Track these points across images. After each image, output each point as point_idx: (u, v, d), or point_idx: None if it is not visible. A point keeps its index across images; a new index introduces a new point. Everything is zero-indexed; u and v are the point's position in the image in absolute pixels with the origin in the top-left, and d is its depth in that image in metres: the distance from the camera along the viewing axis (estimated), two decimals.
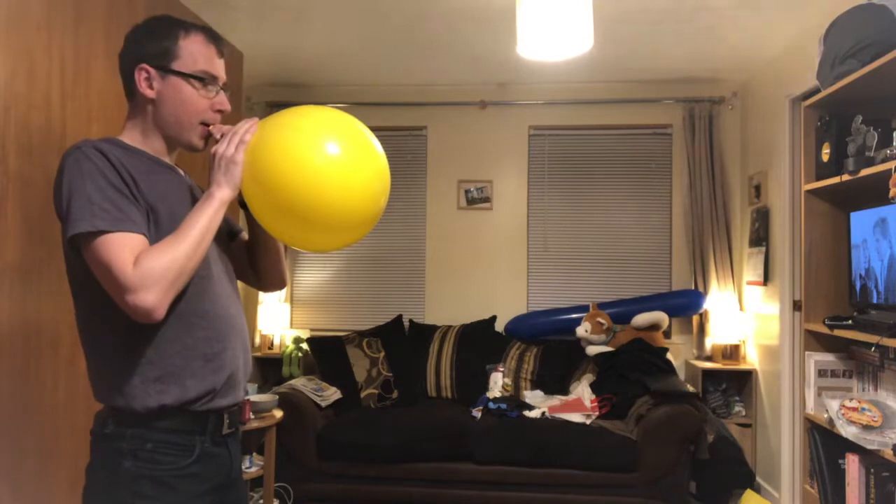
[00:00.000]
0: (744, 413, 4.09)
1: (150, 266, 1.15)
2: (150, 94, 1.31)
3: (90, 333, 1.28)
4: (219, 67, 1.36)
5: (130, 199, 1.21)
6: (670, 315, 4.17)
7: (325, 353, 4.05)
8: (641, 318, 4.05)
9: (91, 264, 1.18)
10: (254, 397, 3.24)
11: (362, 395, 3.93)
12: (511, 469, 3.40)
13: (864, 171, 2.36)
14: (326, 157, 1.27)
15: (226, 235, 1.49)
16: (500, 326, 4.42)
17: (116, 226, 1.17)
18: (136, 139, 1.34)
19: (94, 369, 1.28)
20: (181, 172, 1.41)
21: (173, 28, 1.33)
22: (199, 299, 1.29)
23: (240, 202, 1.39)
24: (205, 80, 1.33)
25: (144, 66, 1.30)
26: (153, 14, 1.37)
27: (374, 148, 1.35)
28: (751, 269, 4.11)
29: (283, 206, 1.27)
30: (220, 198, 1.26)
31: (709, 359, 4.24)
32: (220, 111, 1.37)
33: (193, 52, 1.32)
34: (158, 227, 1.25)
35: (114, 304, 1.18)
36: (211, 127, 1.36)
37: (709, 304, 4.27)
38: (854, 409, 2.37)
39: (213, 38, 1.36)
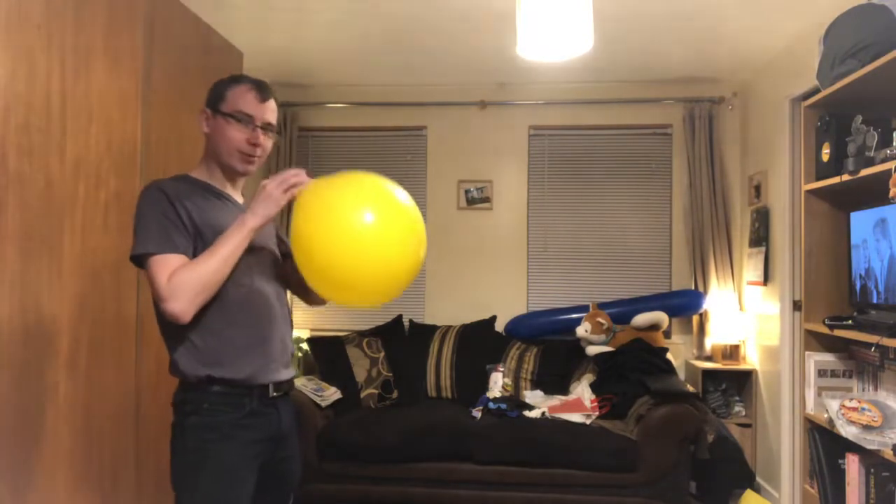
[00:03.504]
0: (744, 413, 4.08)
1: (179, 280, 1.48)
2: (206, 129, 1.68)
3: (158, 323, 1.62)
4: (256, 109, 1.64)
5: (179, 227, 1.54)
6: (670, 315, 4.17)
7: (325, 353, 4.04)
8: (641, 318, 4.05)
9: (147, 276, 1.53)
10: None
11: (362, 395, 3.93)
12: (511, 469, 3.40)
13: (864, 171, 2.36)
14: (366, 238, 1.47)
15: (279, 253, 1.81)
16: (500, 326, 4.42)
17: (161, 249, 1.51)
18: (203, 172, 1.70)
19: (168, 350, 1.63)
20: (238, 201, 1.74)
21: (232, 81, 1.67)
22: (237, 303, 1.59)
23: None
24: (239, 118, 1.63)
25: (205, 108, 1.68)
26: (153, 13, 1.39)
27: (412, 220, 1.54)
28: (751, 269, 4.11)
29: (330, 282, 1.51)
30: (249, 226, 1.55)
31: (709, 359, 4.24)
32: (255, 145, 1.65)
33: (236, 97, 1.64)
34: (206, 246, 1.55)
35: None
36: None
37: (709, 304, 4.27)
38: (854, 409, 2.37)
39: (257, 86, 1.66)
